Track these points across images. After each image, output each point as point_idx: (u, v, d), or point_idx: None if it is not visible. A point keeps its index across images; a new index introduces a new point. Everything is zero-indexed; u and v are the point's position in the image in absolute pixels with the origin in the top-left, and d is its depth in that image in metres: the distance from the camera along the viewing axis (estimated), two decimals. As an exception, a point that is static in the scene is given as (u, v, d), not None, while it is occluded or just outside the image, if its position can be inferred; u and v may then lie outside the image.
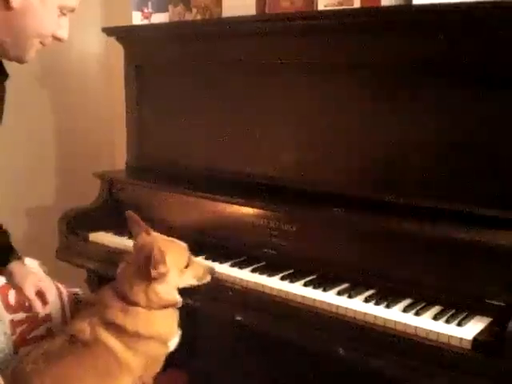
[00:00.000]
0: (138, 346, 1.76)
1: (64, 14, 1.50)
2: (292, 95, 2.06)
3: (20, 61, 1.53)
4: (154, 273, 1.70)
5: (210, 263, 1.97)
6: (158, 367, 1.85)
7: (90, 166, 2.78)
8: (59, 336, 1.82)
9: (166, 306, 1.79)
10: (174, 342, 1.85)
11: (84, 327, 1.76)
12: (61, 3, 1.46)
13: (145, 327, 1.76)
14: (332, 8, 1.95)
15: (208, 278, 1.85)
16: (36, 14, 1.42)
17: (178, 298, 1.82)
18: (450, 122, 1.74)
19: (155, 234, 1.86)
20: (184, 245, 1.84)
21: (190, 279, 1.82)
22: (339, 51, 1.91)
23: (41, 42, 1.50)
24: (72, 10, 1.51)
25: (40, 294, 1.80)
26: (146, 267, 1.70)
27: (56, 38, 1.53)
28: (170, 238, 1.85)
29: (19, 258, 1.86)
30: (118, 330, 1.75)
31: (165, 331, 1.81)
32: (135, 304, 1.76)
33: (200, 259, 1.99)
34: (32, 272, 1.84)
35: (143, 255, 1.73)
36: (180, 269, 1.79)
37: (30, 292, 1.78)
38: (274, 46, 2.05)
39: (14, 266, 1.82)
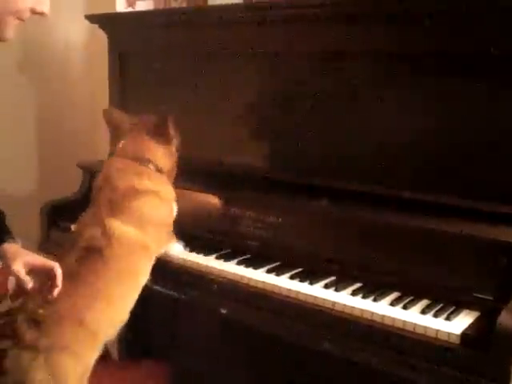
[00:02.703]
0: (148, 210, 1.81)
1: None
2: (281, 84, 2.03)
3: None
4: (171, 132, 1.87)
5: (194, 255, 1.95)
6: (168, 235, 1.92)
7: (72, 155, 2.74)
8: (65, 259, 1.78)
9: (173, 169, 1.92)
10: (175, 207, 1.94)
11: (94, 231, 1.76)
12: None
13: (159, 185, 1.85)
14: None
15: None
16: None
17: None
18: (443, 114, 1.72)
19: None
20: None
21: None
22: (328, 40, 1.88)
23: (18, 18, 1.41)
24: None
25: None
26: (165, 128, 1.86)
27: (36, 13, 1.43)
28: None
29: (13, 239, 1.76)
30: (132, 196, 1.79)
31: (170, 190, 1.91)
32: (152, 163, 1.85)
33: (184, 251, 1.98)
34: (26, 251, 1.72)
35: (159, 119, 1.88)
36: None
37: (19, 268, 1.64)
38: (261, 35, 2.02)
39: (6, 246, 1.71)
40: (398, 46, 1.76)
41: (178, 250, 1.96)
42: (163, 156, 1.88)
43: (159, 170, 1.87)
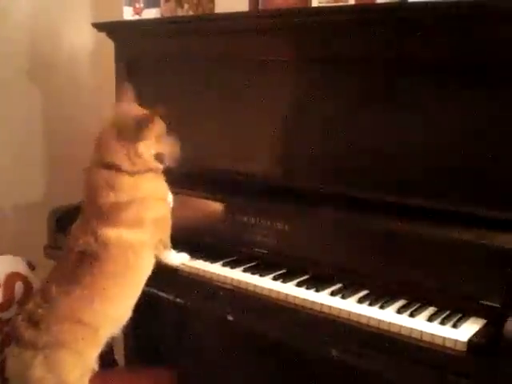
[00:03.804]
0: (141, 215, 1.81)
1: None
2: (286, 92, 2.03)
3: None
4: (144, 131, 1.79)
5: (201, 262, 1.95)
6: (168, 225, 1.92)
7: (79, 161, 2.74)
8: (63, 263, 1.84)
9: (146, 169, 1.84)
10: (171, 198, 1.94)
11: (87, 239, 1.78)
12: None
13: (137, 190, 1.81)
14: (327, 5, 1.93)
15: (177, 151, 1.90)
16: None
17: (157, 163, 1.88)
18: (448, 121, 1.72)
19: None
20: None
21: (164, 149, 1.88)
22: (334, 48, 1.89)
23: None
24: None
25: None
26: (136, 126, 1.78)
27: None
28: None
29: None
30: (116, 210, 1.78)
31: (156, 188, 1.89)
32: (119, 168, 1.79)
33: (190, 258, 1.98)
34: None
35: (133, 116, 1.82)
36: (158, 134, 1.86)
37: None
38: (267, 43, 2.02)
39: None
40: (414, 53, 1.76)
41: (183, 258, 1.96)
42: (132, 157, 1.81)
43: (131, 173, 1.82)
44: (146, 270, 1.85)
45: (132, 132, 1.80)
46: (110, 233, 1.77)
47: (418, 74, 1.76)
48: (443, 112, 1.72)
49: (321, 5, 1.95)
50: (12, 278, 2.19)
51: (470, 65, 1.66)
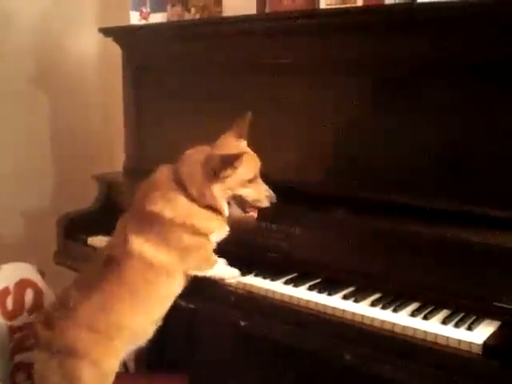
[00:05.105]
0: (170, 238, 1.73)
1: None
2: (293, 95, 2.02)
3: None
4: (222, 174, 1.72)
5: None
6: (201, 256, 1.81)
7: (87, 167, 2.76)
8: (90, 266, 1.85)
9: (210, 208, 1.77)
10: (216, 237, 1.83)
11: (118, 240, 1.78)
12: None
13: (185, 216, 1.74)
14: (334, 6, 1.93)
15: (265, 204, 1.82)
16: None
17: (225, 208, 1.79)
18: (454, 123, 1.72)
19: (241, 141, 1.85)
20: (259, 162, 1.82)
21: (247, 194, 1.80)
22: (342, 51, 1.88)
23: None
24: None
25: None
26: (218, 164, 1.71)
27: None
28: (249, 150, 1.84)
29: None
30: (153, 221, 1.73)
31: (205, 224, 1.77)
32: (186, 190, 1.74)
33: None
34: None
35: (221, 156, 1.73)
36: (243, 179, 1.78)
37: None
38: (275, 46, 2.02)
39: None
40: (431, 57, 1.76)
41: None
42: (203, 191, 1.74)
43: (193, 200, 1.75)
44: (165, 292, 1.79)
45: (213, 171, 1.73)
46: (135, 241, 1.73)
47: (428, 75, 1.75)
48: (460, 113, 1.71)
49: (328, 7, 1.93)
50: (22, 284, 2.19)
51: (488, 65, 1.65)
